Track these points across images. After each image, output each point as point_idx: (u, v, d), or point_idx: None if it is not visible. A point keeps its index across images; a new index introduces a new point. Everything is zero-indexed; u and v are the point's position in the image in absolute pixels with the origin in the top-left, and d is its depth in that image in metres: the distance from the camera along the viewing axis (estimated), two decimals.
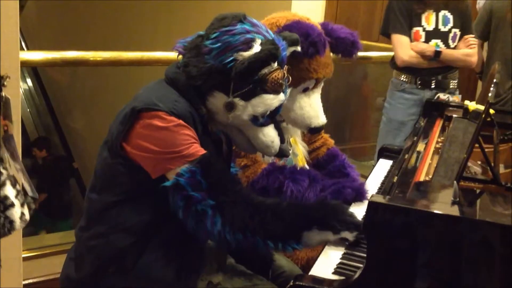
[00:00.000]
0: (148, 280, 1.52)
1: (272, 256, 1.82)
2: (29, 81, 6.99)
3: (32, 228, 4.27)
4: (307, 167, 2.06)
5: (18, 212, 1.23)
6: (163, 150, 1.44)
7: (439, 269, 1.34)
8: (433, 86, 3.17)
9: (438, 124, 2.26)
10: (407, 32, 3.14)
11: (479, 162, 1.75)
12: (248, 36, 1.48)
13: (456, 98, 3.12)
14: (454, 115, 2.24)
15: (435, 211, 1.34)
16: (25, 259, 2.40)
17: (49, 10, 6.72)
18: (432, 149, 1.95)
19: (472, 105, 2.11)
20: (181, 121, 1.45)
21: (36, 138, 6.18)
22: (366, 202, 1.62)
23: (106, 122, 1.62)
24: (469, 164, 1.68)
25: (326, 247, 1.56)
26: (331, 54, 1.97)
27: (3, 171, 1.23)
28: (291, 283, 1.40)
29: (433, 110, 2.41)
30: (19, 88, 2.15)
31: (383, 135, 3.34)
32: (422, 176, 1.69)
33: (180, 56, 1.56)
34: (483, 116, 1.60)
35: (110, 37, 5.66)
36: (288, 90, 1.66)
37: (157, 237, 1.53)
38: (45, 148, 5.61)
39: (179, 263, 1.55)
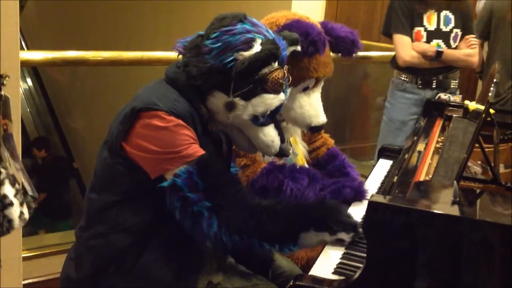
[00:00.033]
0: (148, 280, 1.51)
1: (272, 256, 1.81)
2: (29, 81, 7.00)
3: (31, 228, 4.27)
4: (306, 166, 2.06)
5: (17, 211, 1.23)
6: (162, 150, 1.44)
7: (439, 269, 1.34)
8: (434, 86, 3.17)
9: (438, 124, 2.26)
10: (408, 32, 3.14)
11: (479, 162, 1.75)
12: (249, 35, 1.48)
13: (457, 98, 3.12)
14: (454, 115, 2.24)
15: (435, 211, 1.34)
16: (25, 259, 2.40)
17: (49, 10, 6.73)
18: (432, 149, 1.95)
19: (472, 105, 2.11)
20: (180, 121, 1.45)
21: (36, 138, 6.18)
22: (365, 202, 1.62)
23: (106, 122, 1.61)
24: (469, 164, 1.68)
25: (326, 247, 1.55)
26: (331, 53, 1.97)
27: (2, 170, 1.23)
28: (291, 283, 1.40)
29: (433, 110, 2.42)
30: (19, 88, 2.15)
31: (383, 135, 3.34)
32: (422, 176, 1.69)
33: (180, 56, 1.55)
34: (483, 115, 1.60)
35: (110, 37, 5.66)
36: (288, 90, 1.66)
37: (157, 237, 1.52)
38: (45, 148, 5.62)
39: (179, 263, 1.55)
